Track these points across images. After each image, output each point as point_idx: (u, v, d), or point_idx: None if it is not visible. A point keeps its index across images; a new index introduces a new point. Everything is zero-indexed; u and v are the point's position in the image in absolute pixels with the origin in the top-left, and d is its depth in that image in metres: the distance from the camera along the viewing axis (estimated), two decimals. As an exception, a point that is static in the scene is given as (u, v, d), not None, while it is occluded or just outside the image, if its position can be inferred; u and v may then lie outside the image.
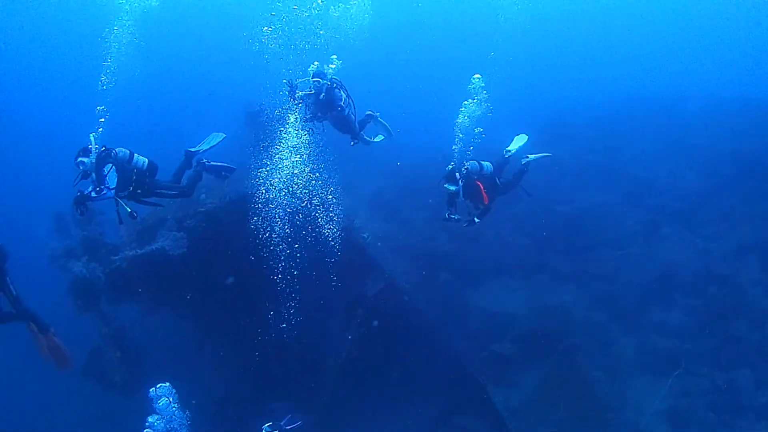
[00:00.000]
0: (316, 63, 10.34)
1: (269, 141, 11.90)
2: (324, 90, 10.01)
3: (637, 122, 15.67)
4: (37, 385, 13.93)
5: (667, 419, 9.58)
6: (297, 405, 11.08)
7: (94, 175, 8.64)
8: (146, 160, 9.14)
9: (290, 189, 11.41)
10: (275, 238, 11.29)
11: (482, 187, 9.50)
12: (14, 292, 8.85)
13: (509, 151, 10.49)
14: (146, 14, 12.55)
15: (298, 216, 11.27)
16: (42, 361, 9.39)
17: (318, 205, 11.75)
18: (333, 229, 11.91)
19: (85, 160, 8.42)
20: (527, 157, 10.28)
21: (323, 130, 11.15)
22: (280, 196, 11.44)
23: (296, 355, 11.38)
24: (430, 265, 12.72)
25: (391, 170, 14.54)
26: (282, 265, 11.31)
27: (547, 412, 10.28)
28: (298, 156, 11.89)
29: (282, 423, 9.43)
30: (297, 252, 11.32)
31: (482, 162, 9.88)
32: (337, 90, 10.27)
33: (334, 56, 11.14)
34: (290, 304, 11.48)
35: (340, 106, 10.26)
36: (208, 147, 10.03)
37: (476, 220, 9.57)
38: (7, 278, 8.76)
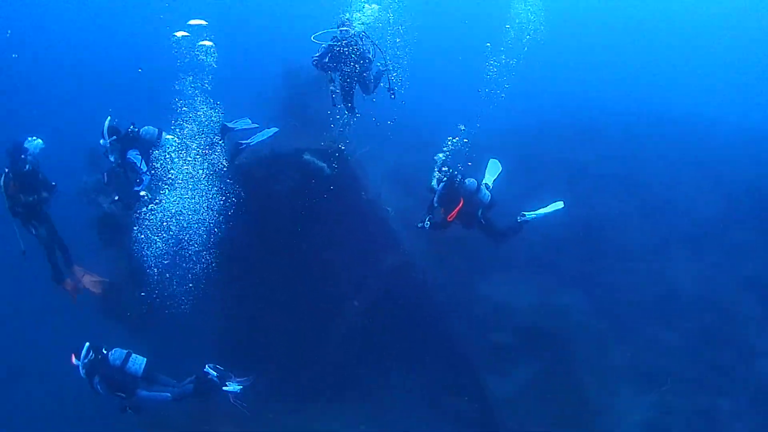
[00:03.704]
0: (346, 15, 10.54)
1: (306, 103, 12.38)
2: (352, 39, 10.14)
3: (666, 138, 16.43)
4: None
5: (644, 432, 10.87)
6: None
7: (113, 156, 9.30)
8: (174, 139, 9.77)
9: (320, 155, 12.08)
10: (303, 200, 12.01)
11: (459, 206, 9.71)
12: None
13: (488, 185, 10.57)
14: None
15: (326, 184, 11.96)
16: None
17: (345, 175, 12.44)
18: (359, 200, 12.69)
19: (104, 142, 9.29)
20: (523, 215, 10.37)
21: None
22: (311, 160, 12.12)
23: (302, 320, 12.22)
24: (444, 248, 13.55)
25: (413, 143, 15.13)
26: (306, 229, 12.08)
27: (536, 406, 11.41)
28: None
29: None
30: (321, 219, 12.07)
31: (483, 188, 10.12)
32: (367, 42, 10.42)
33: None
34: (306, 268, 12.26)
35: (368, 59, 10.49)
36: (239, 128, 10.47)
37: (426, 225, 9.82)
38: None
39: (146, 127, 9.58)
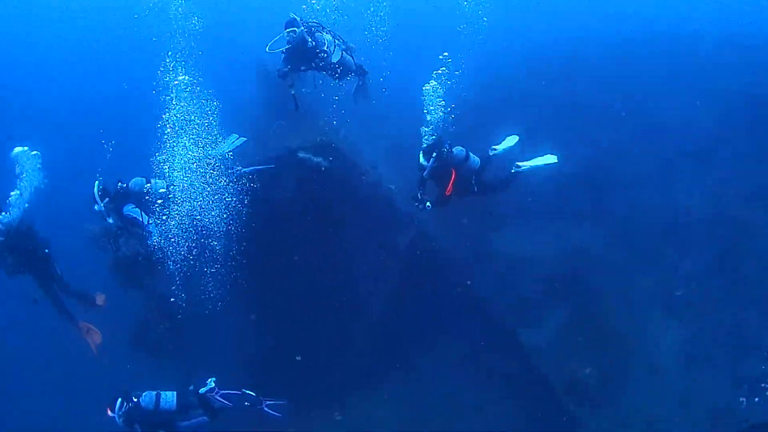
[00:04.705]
0: (291, 14, 10.25)
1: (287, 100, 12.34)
2: (301, 38, 9.92)
3: (651, 59, 16.25)
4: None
5: (680, 356, 11.09)
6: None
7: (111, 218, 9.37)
8: (163, 183, 9.81)
9: (314, 150, 12.13)
10: (303, 195, 12.14)
11: (453, 177, 9.51)
12: (59, 272, 10.00)
13: (495, 149, 10.42)
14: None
15: (324, 174, 12.05)
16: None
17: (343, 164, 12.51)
18: (362, 186, 12.81)
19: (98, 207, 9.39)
20: (518, 166, 10.20)
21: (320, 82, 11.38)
22: (307, 157, 12.18)
23: (329, 309, 12.53)
24: (453, 212, 13.69)
25: (408, 115, 15.12)
26: (316, 224, 12.24)
27: (570, 350, 11.72)
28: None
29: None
30: (328, 212, 12.22)
31: (471, 153, 9.89)
32: (318, 34, 10.26)
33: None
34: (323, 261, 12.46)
35: (324, 51, 10.28)
36: (228, 150, 10.41)
37: (428, 205, 9.57)
38: (54, 264, 9.86)
39: (134, 179, 9.66)
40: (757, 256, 11.88)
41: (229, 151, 10.33)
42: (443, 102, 10.23)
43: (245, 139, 10.72)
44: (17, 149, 9.40)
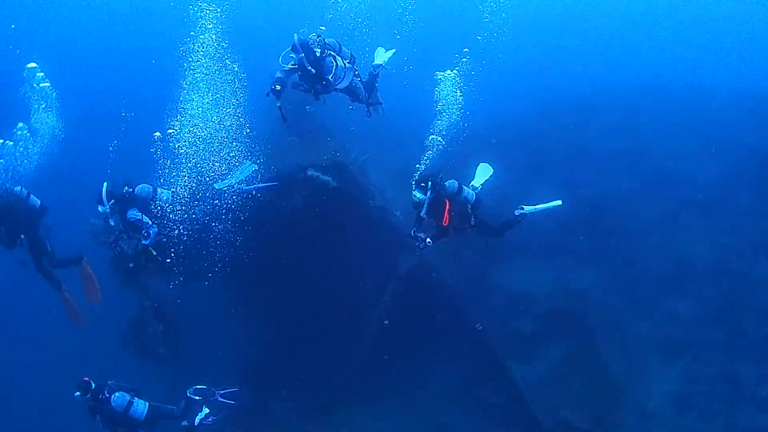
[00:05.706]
0: (295, 35, 9.69)
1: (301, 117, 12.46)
2: (301, 65, 9.49)
3: (664, 109, 16.36)
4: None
5: (673, 403, 10.96)
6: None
7: (113, 220, 9.46)
8: (169, 193, 9.92)
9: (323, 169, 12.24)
10: (309, 213, 12.20)
11: (448, 207, 9.34)
12: (49, 248, 10.03)
13: (475, 187, 10.19)
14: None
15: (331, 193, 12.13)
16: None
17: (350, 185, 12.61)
18: (368, 209, 12.88)
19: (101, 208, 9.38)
20: (522, 209, 10.11)
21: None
22: (315, 175, 12.29)
23: (327, 329, 12.47)
24: (456, 243, 13.70)
25: (410, 143, 15.21)
26: (320, 242, 12.29)
27: (563, 389, 11.58)
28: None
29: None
30: (333, 231, 12.27)
31: (465, 187, 9.76)
32: (329, 59, 9.65)
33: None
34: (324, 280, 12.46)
35: (327, 79, 9.71)
36: (237, 180, 10.43)
37: (428, 242, 9.32)
38: (42, 233, 9.91)
39: (141, 185, 9.68)
40: (759, 309, 11.79)
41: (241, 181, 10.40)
42: (461, 97, 10.14)
43: (255, 167, 10.75)
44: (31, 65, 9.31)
